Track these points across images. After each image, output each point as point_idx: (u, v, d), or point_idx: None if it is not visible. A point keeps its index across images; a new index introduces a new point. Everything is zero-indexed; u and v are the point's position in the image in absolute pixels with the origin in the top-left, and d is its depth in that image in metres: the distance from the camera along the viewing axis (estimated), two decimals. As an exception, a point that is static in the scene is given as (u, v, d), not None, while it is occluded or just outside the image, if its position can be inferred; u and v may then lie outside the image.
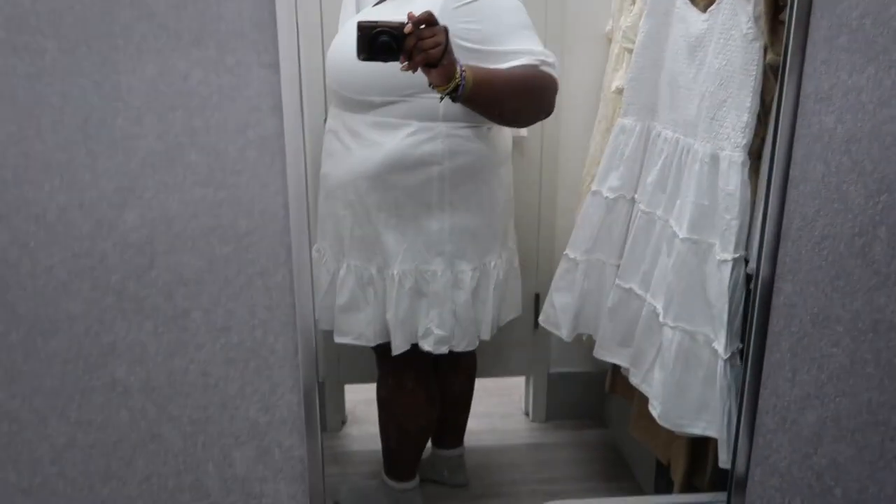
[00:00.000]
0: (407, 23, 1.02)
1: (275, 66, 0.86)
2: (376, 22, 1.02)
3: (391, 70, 1.07)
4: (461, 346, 1.35)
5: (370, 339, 1.35)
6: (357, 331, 1.35)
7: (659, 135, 1.35)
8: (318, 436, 0.99)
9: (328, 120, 1.33)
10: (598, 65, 1.58)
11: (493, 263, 1.38)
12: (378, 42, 1.03)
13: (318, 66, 1.32)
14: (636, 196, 1.40)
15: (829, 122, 0.95)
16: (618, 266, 1.43)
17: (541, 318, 1.52)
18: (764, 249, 0.98)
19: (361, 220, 1.29)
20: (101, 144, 0.88)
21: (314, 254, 1.34)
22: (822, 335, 1.04)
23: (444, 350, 1.33)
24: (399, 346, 1.33)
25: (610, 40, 1.58)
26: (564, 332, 1.49)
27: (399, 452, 1.50)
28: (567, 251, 1.48)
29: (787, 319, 1.03)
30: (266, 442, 1.00)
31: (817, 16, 0.90)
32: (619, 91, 1.46)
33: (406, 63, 1.04)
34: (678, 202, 1.26)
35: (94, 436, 0.98)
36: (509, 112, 1.23)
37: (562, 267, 1.49)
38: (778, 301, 1.01)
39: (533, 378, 1.81)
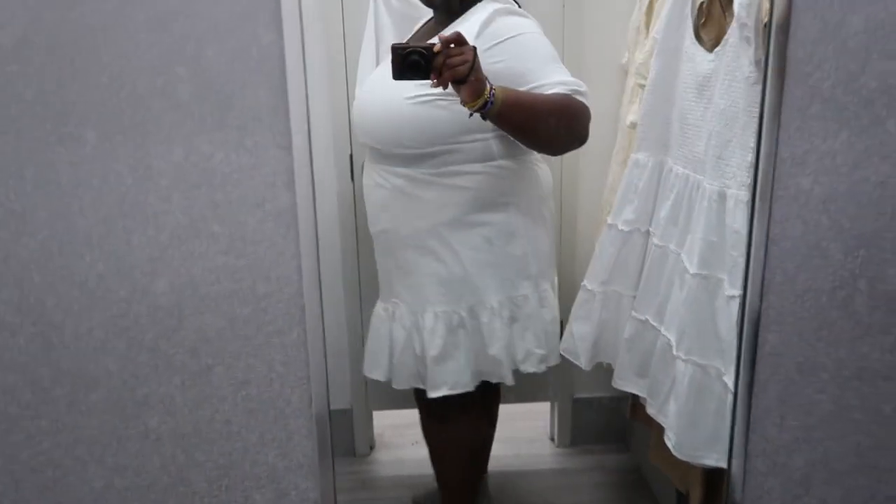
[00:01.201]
0: (436, 43, 1.07)
1: (288, 147, 0.96)
2: (408, 44, 1.10)
3: (438, 120, 1.17)
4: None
5: (468, 384, 1.35)
6: (453, 379, 1.33)
7: (671, 170, 1.38)
8: (331, 479, 1.07)
9: (369, 176, 1.35)
10: (615, 96, 1.63)
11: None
12: (409, 61, 1.08)
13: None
14: (651, 229, 1.43)
15: (806, 184, 1.01)
16: (634, 297, 1.46)
17: (561, 347, 1.54)
18: (748, 303, 1.04)
19: (448, 263, 1.30)
20: (135, 220, 0.98)
21: (381, 312, 1.41)
22: (808, 383, 1.09)
23: (543, 368, 1.40)
24: (506, 377, 1.37)
25: (626, 72, 1.62)
26: (583, 361, 1.52)
27: (463, 484, 1.52)
28: (585, 282, 1.52)
29: (773, 368, 1.08)
30: (284, 485, 1.08)
31: (791, 85, 0.97)
32: (634, 125, 1.50)
33: (435, 80, 1.08)
34: (689, 237, 1.29)
35: (129, 480, 1.08)
36: (543, 135, 1.23)
37: (580, 297, 1.52)
38: (764, 351, 1.07)
39: (558, 403, 1.85)
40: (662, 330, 1.37)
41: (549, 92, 1.19)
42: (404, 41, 1.32)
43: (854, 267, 1.04)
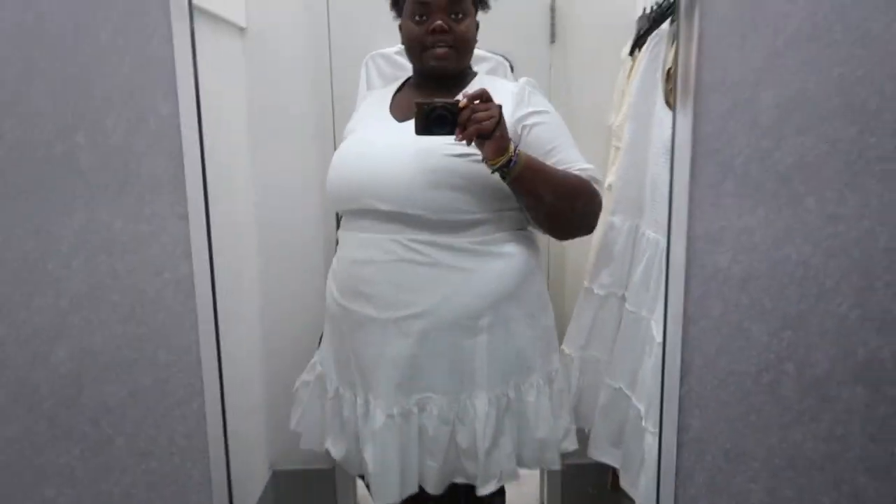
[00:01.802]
0: (462, 100, 1.05)
1: (185, 217, 0.95)
2: (433, 100, 1.06)
3: (493, 183, 1.10)
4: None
5: (515, 473, 1.24)
6: (504, 468, 1.22)
7: (643, 234, 1.35)
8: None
9: (369, 248, 1.18)
10: (602, 157, 1.60)
11: None
12: (434, 116, 1.05)
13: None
14: (626, 293, 1.39)
15: (724, 262, 0.96)
16: (610, 362, 1.41)
17: None
18: (665, 387, 0.99)
19: (501, 339, 1.20)
20: (35, 285, 0.97)
21: (413, 408, 1.20)
22: (737, 471, 1.02)
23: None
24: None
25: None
26: None
27: None
28: (563, 346, 1.46)
29: (698, 455, 1.02)
30: (183, 564, 1.04)
31: (701, 163, 0.94)
32: (611, 187, 1.48)
33: (460, 135, 1.04)
34: (658, 304, 1.22)
35: (25, 553, 1.04)
36: (557, 209, 1.15)
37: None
38: (686, 437, 1.01)
39: (547, 469, 1.76)
40: (634, 399, 1.32)
41: (572, 170, 1.16)
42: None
43: (780, 349, 0.99)
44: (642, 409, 1.25)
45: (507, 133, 1.07)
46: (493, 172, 1.07)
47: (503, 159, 1.05)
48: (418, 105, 1.04)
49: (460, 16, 1.16)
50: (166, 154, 0.93)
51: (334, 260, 1.26)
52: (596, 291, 1.42)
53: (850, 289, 0.97)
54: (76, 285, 0.98)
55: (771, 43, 0.91)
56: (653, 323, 1.27)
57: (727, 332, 0.98)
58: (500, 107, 1.05)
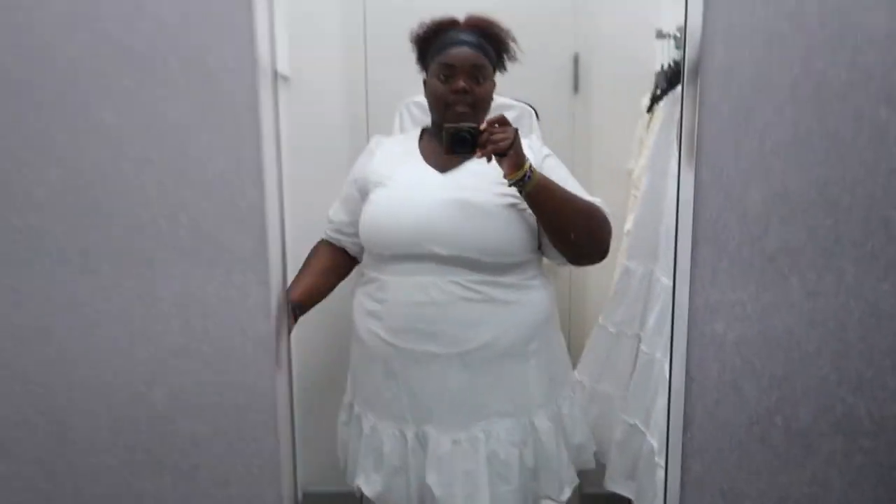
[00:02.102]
0: (484, 123, 1.22)
1: (267, 284, 1.14)
2: (458, 125, 1.24)
3: (520, 231, 1.26)
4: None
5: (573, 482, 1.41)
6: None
7: (658, 280, 1.45)
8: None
9: (425, 290, 1.27)
10: (622, 201, 1.65)
11: None
12: (458, 137, 1.22)
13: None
14: (640, 334, 1.49)
15: (720, 329, 1.13)
16: (623, 398, 1.50)
17: None
18: (671, 434, 1.15)
19: (548, 360, 1.35)
20: (138, 338, 1.17)
21: (480, 434, 1.29)
22: (732, 509, 1.18)
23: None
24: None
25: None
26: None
27: None
28: (575, 373, 1.56)
29: (699, 493, 1.18)
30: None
31: (701, 244, 1.11)
32: (628, 233, 1.58)
33: (480, 153, 1.20)
34: None
35: (121, 564, 1.23)
36: (571, 226, 1.27)
37: None
38: (689, 478, 1.17)
39: (568, 499, 1.87)
40: (648, 436, 1.44)
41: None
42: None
43: (769, 405, 1.15)
44: (655, 445, 1.37)
45: (522, 152, 1.22)
46: (510, 185, 1.22)
47: (520, 174, 1.21)
48: (446, 129, 1.23)
49: (480, 79, 1.32)
50: (252, 232, 1.13)
51: (371, 303, 1.34)
52: (609, 329, 1.52)
53: (829, 354, 1.13)
54: (173, 339, 1.17)
55: (759, 147, 1.08)
56: (666, 365, 1.41)
57: (723, 389, 1.15)
58: (516, 130, 1.21)
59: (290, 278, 1.15)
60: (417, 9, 1.44)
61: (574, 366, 1.53)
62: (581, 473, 1.78)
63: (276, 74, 1.09)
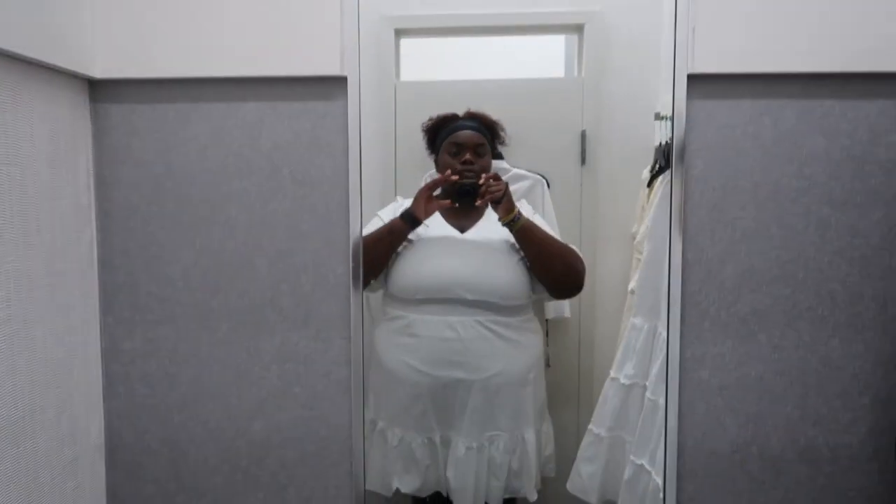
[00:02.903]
0: (481, 178, 1.57)
1: (348, 338, 1.45)
2: (463, 180, 1.60)
3: (525, 279, 1.57)
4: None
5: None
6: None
7: (660, 334, 1.62)
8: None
9: (454, 328, 1.58)
10: (625, 262, 1.86)
11: None
12: (463, 190, 1.57)
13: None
14: (647, 383, 1.68)
15: (705, 376, 1.43)
16: (633, 442, 1.66)
17: (569, 486, 1.74)
18: (666, 462, 1.44)
19: (538, 388, 1.68)
20: (244, 382, 1.48)
21: (465, 450, 1.60)
22: (719, 523, 1.46)
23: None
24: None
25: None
26: (594, 499, 1.71)
27: None
28: (591, 426, 1.73)
29: (692, 509, 1.46)
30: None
31: (688, 310, 1.42)
32: (633, 292, 1.79)
33: (479, 201, 1.55)
34: None
35: (221, 568, 1.51)
36: (553, 261, 1.62)
37: (587, 440, 1.73)
38: (683, 497, 1.45)
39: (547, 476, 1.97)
40: (654, 474, 1.63)
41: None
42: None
43: (746, 436, 1.44)
44: (660, 482, 1.57)
45: (512, 200, 1.59)
46: (503, 225, 1.58)
47: (510, 216, 1.58)
48: (453, 182, 1.59)
49: (481, 154, 1.68)
50: (338, 299, 1.45)
51: (402, 339, 1.62)
52: (622, 381, 1.71)
53: (793, 396, 1.43)
54: (272, 382, 1.48)
55: (731, 235, 1.40)
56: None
57: (709, 424, 1.44)
58: (507, 183, 1.58)
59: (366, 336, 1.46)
60: (439, 96, 1.75)
61: (583, 416, 1.78)
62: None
63: (361, 184, 1.42)
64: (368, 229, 1.68)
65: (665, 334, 1.56)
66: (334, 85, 1.41)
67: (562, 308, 1.92)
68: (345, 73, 1.40)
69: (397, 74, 1.97)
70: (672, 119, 1.40)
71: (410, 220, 1.62)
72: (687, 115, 1.39)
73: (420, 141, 1.78)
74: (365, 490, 1.50)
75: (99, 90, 1.44)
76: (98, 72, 1.41)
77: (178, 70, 1.41)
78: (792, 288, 1.41)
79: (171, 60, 1.40)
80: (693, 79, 1.37)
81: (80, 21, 1.36)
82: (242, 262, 1.45)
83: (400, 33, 1.97)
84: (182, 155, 1.44)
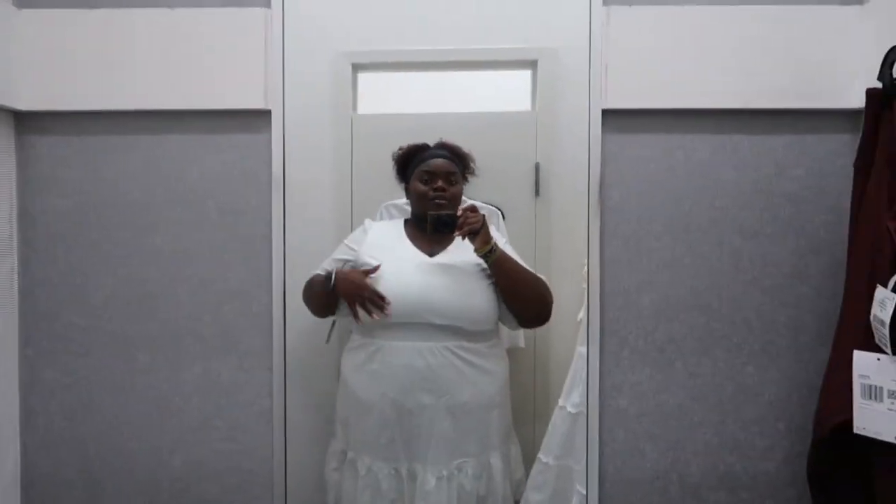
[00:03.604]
0: (459, 211, 1.56)
1: (270, 369, 1.45)
2: (440, 212, 1.58)
3: (490, 305, 1.54)
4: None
5: None
6: None
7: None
8: None
9: (419, 355, 1.53)
10: (578, 291, 1.73)
11: None
12: (441, 222, 1.53)
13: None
14: None
15: (623, 404, 1.45)
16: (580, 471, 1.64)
17: None
18: (588, 490, 1.45)
19: (505, 413, 1.66)
20: (163, 413, 1.46)
21: (455, 471, 1.56)
22: (641, 550, 1.47)
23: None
24: None
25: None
26: None
27: None
28: (540, 455, 1.70)
29: (614, 538, 1.47)
30: None
31: (607, 338, 1.45)
32: (580, 321, 1.72)
33: (458, 232, 1.52)
34: None
35: None
36: (524, 291, 1.60)
37: (536, 468, 1.71)
38: (606, 524, 1.46)
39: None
40: None
41: None
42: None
43: (665, 464, 1.46)
44: None
45: (489, 232, 1.57)
46: (480, 257, 1.56)
47: (486, 248, 1.55)
48: (430, 215, 1.57)
49: (453, 181, 1.67)
50: (261, 330, 1.45)
51: (370, 365, 1.56)
52: (569, 409, 1.67)
53: (710, 423, 1.45)
54: (192, 415, 1.47)
55: (646, 266, 1.44)
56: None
57: (628, 452, 1.46)
58: (483, 216, 1.57)
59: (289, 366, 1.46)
60: (396, 129, 1.74)
61: (539, 443, 1.74)
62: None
63: (284, 215, 1.43)
64: (331, 258, 1.66)
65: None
66: (259, 118, 1.43)
67: (516, 338, 1.92)
68: (269, 107, 1.42)
69: (354, 108, 2.00)
70: (589, 153, 1.44)
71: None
72: (602, 150, 1.43)
73: (377, 173, 1.76)
74: (288, 523, 1.48)
75: (24, 122, 1.44)
76: (23, 104, 1.41)
77: (104, 102, 1.42)
78: (707, 316, 1.44)
79: (97, 93, 1.41)
80: (608, 113, 1.42)
81: (5, 54, 1.37)
82: (165, 292, 1.45)
83: (357, 68, 1.99)
84: (108, 186, 1.44)
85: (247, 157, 1.44)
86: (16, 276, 1.45)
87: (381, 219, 1.85)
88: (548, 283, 1.71)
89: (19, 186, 1.45)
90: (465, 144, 1.71)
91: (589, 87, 1.41)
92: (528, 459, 1.75)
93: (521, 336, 1.91)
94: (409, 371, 1.56)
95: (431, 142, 1.74)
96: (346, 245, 1.68)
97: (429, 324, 1.56)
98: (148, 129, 1.44)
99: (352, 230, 1.78)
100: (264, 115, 1.43)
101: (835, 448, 1.32)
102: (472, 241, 1.56)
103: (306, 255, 1.51)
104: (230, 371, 1.46)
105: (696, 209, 1.44)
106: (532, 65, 1.96)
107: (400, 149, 1.74)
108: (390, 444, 1.59)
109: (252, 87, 1.41)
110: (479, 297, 1.59)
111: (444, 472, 1.59)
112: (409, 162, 1.73)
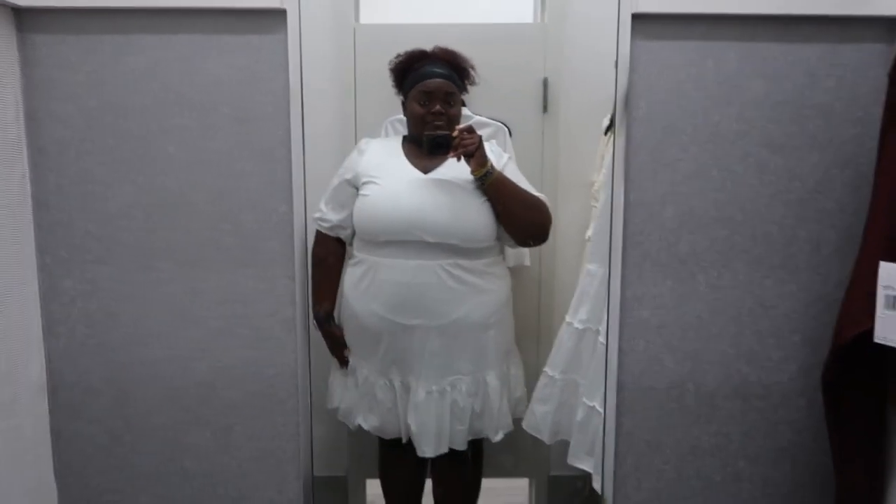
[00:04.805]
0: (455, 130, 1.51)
1: (293, 278, 1.45)
2: (436, 132, 1.54)
3: (486, 220, 1.53)
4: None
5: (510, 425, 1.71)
6: (506, 422, 1.69)
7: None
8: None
9: (409, 272, 1.53)
10: (587, 209, 1.88)
11: None
12: (436, 142, 1.50)
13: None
14: (599, 328, 1.68)
15: (645, 315, 1.47)
16: (587, 385, 1.70)
17: (524, 423, 1.76)
18: (606, 397, 1.48)
19: (503, 332, 1.66)
20: (187, 322, 1.47)
21: (447, 387, 1.58)
22: (655, 455, 1.51)
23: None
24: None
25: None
26: (546, 437, 1.75)
27: None
28: (546, 369, 1.75)
29: (629, 444, 1.51)
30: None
31: (629, 251, 1.44)
32: (589, 239, 1.80)
33: (453, 153, 1.48)
34: None
35: (168, 505, 1.53)
36: (521, 214, 1.58)
37: (542, 382, 1.76)
38: (622, 430, 1.50)
39: (535, 480, 2.04)
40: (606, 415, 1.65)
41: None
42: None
43: (683, 373, 1.49)
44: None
45: (485, 154, 1.53)
46: (475, 180, 1.52)
47: (483, 171, 1.52)
48: (426, 136, 1.53)
49: (451, 103, 1.61)
50: (282, 238, 1.44)
51: (364, 282, 1.58)
52: (576, 325, 1.74)
53: (728, 335, 1.47)
54: (216, 322, 1.47)
55: (671, 177, 1.42)
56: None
57: (648, 361, 1.48)
58: (480, 136, 1.53)
59: (311, 274, 1.46)
60: (399, 41, 1.66)
61: (543, 360, 1.79)
62: (549, 456, 1.99)
63: (303, 117, 1.40)
64: (330, 190, 1.65)
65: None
66: (273, 18, 1.37)
67: (522, 256, 1.95)
68: (283, 6, 1.36)
69: (356, 17, 1.93)
70: (616, 60, 1.40)
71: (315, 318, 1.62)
72: (631, 57, 1.39)
73: (380, 86, 1.70)
74: (311, 429, 1.52)
75: (25, 20, 1.38)
76: (23, -1, 1.35)
77: (108, -1, 1.36)
78: (729, 230, 1.44)
79: (102, -12, 1.35)
80: (638, 18, 1.37)
81: (4, -56, 1.30)
82: (182, 201, 1.43)
83: None
84: (115, 88, 1.40)
85: (260, 59, 1.39)
86: (27, 183, 1.43)
87: (386, 134, 1.85)
88: (554, 200, 1.67)
89: (24, 88, 1.40)
90: (470, 56, 1.64)
91: (619, -11, 1.35)
92: (534, 374, 1.79)
93: (525, 254, 1.96)
94: (398, 288, 1.56)
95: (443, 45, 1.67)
96: (343, 180, 1.64)
97: (421, 241, 1.54)
98: (154, 28, 1.38)
99: (356, 142, 1.79)
100: (279, 14, 1.37)
101: (851, 358, 1.34)
102: (467, 161, 1.53)
103: (310, 165, 1.47)
104: (252, 280, 1.46)
105: (723, 120, 1.41)
106: (540, -26, 1.94)
107: (397, 56, 1.67)
108: (384, 358, 1.62)
109: (267, -16, 1.35)
110: (474, 214, 1.56)
111: (435, 388, 1.61)
112: (407, 73, 1.66)
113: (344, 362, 1.67)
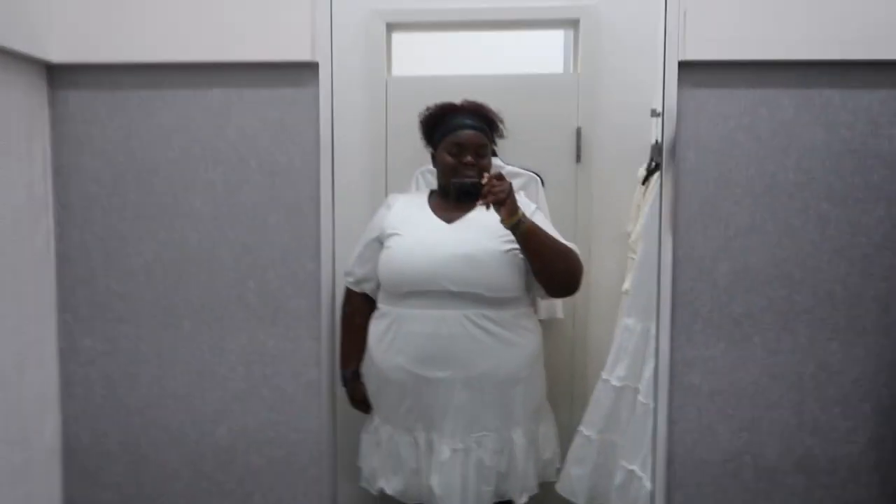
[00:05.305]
0: (485, 178, 1.45)
1: (318, 338, 1.37)
2: (464, 180, 1.49)
3: (520, 268, 1.48)
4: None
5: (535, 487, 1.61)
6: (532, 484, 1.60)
7: (653, 336, 1.52)
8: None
9: (439, 325, 1.46)
10: (619, 261, 1.85)
11: None
12: (464, 190, 1.45)
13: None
14: (639, 386, 1.63)
15: (696, 380, 1.35)
16: (625, 446, 1.63)
17: (557, 487, 1.69)
18: (655, 471, 1.36)
19: (533, 388, 1.58)
20: (209, 383, 1.40)
21: (473, 444, 1.50)
22: (710, 537, 1.38)
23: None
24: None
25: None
26: (582, 501, 1.67)
27: None
28: (582, 428, 1.69)
29: (681, 522, 1.38)
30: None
31: (678, 311, 1.34)
32: (626, 292, 1.74)
33: (482, 202, 1.41)
34: None
35: (183, 580, 1.43)
36: (553, 264, 1.50)
37: (577, 442, 1.69)
38: (672, 508, 1.38)
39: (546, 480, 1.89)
40: (645, 480, 1.57)
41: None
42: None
43: (739, 445, 1.36)
44: (650, 487, 1.54)
45: (516, 201, 1.46)
46: (507, 228, 1.44)
47: (514, 219, 1.44)
48: (453, 183, 1.48)
49: (482, 154, 1.57)
50: (308, 297, 1.37)
51: (389, 335, 1.51)
52: (613, 383, 1.67)
53: (789, 403, 1.35)
54: (237, 384, 1.40)
55: (724, 232, 1.33)
56: (660, 413, 1.58)
57: (701, 432, 1.36)
58: (510, 183, 1.45)
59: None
60: (432, 93, 1.63)
61: (577, 419, 1.71)
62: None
63: (333, 175, 1.35)
64: (359, 247, 1.60)
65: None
66: (305, 71, 1.33)
67: (554, 308, 1.88)
68: (316, 59, 1.32)
69: (389, 70, 1.92)
70: (662, 109, 1.32)
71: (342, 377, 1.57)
72: (678, 106, 1.31)
73: (412, 138, 1.67)
74: (336, 497, 1.42)
75: (57, 76, 1.36)
76: (56, 55, 1.33)
77: (140, 55, 1.34)
78: (789, 288, 1.33)
79: (133, 44, 1.33)
80: (684, 66, 1.30)
81: (36, 1, 1.29)
82: (207, 257, 1.38)
83: (392, 27, 1.93)
84: (145, 144, 1.36)
85: (291, 113, 1.35)
86: (52, 239, 1.39)
87: (417, 185, 1.83)
88: (587, 251, 1.60)
89: (53, 144, 1.38)
90: (503, 108, 1.62)
91: (664, 36, 1.29)
92: (567, 434, 1.70)
93: (558, 306, 1.90)
94: (422, 339, 1.49)
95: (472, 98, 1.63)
96: (371, 237, 1.59)
97: (446, 291, 1.48)
98: (186, 83, 1.36)
99: (386, 194, 1.78)
100: (311, 67, 1.33)
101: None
102: (497, 211, 1.46)
103: (341, 219, 1.42)
104: (276, 340, 1.39)
105: (779, 171, 1.31)
106: (573, 24, 1.93)
107: (427, 109, 1.64)
108: (408, 414, 1.53)
109: (298, 37, 1.31)
110: (499, 263, 1.49)
111: (461, 445, 1.51)
112: (437, 125, 1.63)
113: (366, 410, 1.59)
